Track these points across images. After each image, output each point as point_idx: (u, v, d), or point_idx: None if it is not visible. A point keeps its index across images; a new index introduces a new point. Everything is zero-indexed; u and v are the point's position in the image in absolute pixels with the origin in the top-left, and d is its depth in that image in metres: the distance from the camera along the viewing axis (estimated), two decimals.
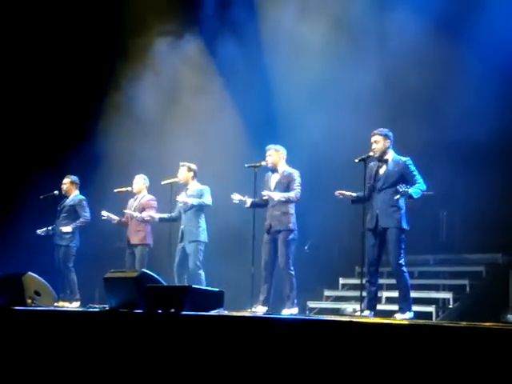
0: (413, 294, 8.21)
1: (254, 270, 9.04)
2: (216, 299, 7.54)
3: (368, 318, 7.86)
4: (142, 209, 10.68)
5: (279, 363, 6.11)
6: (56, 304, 9.65)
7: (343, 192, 8.36)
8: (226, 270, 10.73)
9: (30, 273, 9.24)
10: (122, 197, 11.03)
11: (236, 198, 9.25)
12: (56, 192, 11.13)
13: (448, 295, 10.62)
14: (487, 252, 11.15)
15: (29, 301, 8.96)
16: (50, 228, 11.01)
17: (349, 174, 9.01)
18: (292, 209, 9.14)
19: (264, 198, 9.18)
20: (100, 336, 7.46)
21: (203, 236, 10.02)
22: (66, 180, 11.21)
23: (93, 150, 12.52)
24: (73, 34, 12.94)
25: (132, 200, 10.93)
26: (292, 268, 8.99)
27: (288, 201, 9.09)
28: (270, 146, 9.26)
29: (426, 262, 11.59)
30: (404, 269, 8.02)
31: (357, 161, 8.23)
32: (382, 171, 8.19)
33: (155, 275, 7.98)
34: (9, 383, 7.77)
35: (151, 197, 10.83)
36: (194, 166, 10.22)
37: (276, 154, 9.22)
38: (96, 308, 8.77)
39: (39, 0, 12.96)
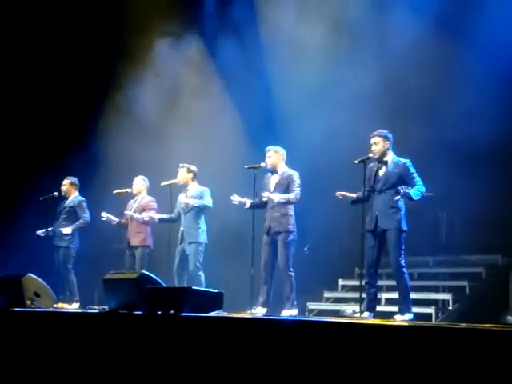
0: (412, 296, 8.20)
1: (253, 271, 9.03)
2: (215, 301, 7.55)
3: (368, 319, 7.86)
4: (142, 210, 10.68)
5: (279, 364, 6.11)
6: (55, 305, 9.66)
7: (344, 193, 8.36)
8: (226, 272, 10.73)
9: (29, 274, 9.25)
10: (122, 198, 11.03)
11: (236, 199, 9.25)
12: (55, 193, 11.13)
13: (447, 296, 10.61)
14: (487, 253, 11.14)
15: (28, 302, 8.97)
16: (50, 229, 11.01)
17: (348, 176, 9.01)
18: (291, 210, 9.14)
19: (264, 199, 9.19)
20: (100, 337, 7.46)
21: (203, 237, 10.02)
22: (66, 181, 11.21)
23: (93, 151, 12.52)
24: (73, 35, 12.93)
25: (132, 201, 10.93)
26: (292, 269, 9.00)
27: (288, 202, 9.09)
28: (269, 148, 9.26)
29: (425, 264, 11.59)
30: (404, 270, 8.02)
31: (356, 162, 8.22)
32: (381, 172, 8.19)
33: (155, 276, 7.98)
34: None
35: (151, 198, 10.83)
36: (193, 168, 10.22)
37: (276, 156, 9.23)
38: (95, 309, 8.78)
39: (40, 0, 12.95)
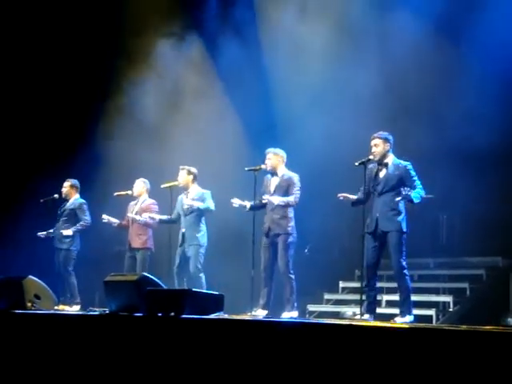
0: (413, 298, 8.20)
1: (254, 273, 9.05)
2: (216, 303, 7.55)
3: (368, 321, 7.85)
4: (143, 212, 10.67)
5: (279, 367, 6.11)
6: (56, 307, 9.64)
7: (346, 195, 8.36)
8: (226, 273, 10.72)
9: (30, 276, 9.24)
10: (123, 200, 11.03)
11: (236, 202, 9.25)
12: (56, 195, 11.14)
13: (448, 298, 10.61)
14: (487, 255, 11.14)
15: (29, 304, 8.95)
16: (51, 231, 11.01)
17: (349, 177, 9.01)
18: (291, 212, 9.15)
19: (263, 201, 9.19)
20: (100, 339, 7.46)
21: (204, 239, 10.03)
22: (66, 184, 11.21)
23: (93, 153, 12.51)
24: (73, 35, 12.92)
25: (133, 203, 10.94)
26: (292, 271, 9.00)
27: (287, 205, 9.10)
28: (269, 150, 9.27)
29: (426, 266, 11.58)
30: (406, 272, 8.03)
31: (357, 164, 8.23)
32: (382, 174, 8.20)
33: (155, 279, 7.98)
34: None
35: (152, 201, 10.83)
36: (194, 170, 10.22)
37: (275, 158, 9.23)
38: (96, 311, 8.77)
39: (41, 1, 12.95)
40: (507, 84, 10.17)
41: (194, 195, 10.10)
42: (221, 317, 7.38)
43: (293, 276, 9.00)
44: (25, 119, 13.11)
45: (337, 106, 11.19)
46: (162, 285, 8.04)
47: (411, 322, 7.84)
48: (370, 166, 8.26)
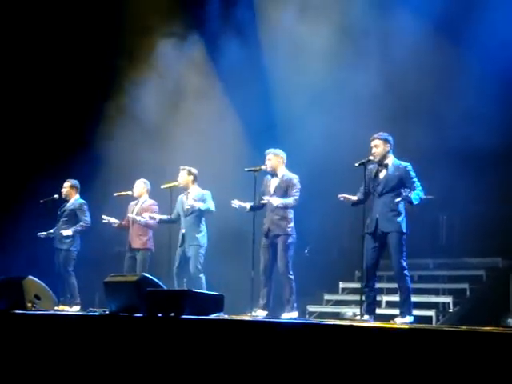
0: (413, 298, 8.20)
1: (253, 273, 9.05)
2: (216, 303, 7.54)
3: (368, 322, 7.86)
4: (144, 213, 10.67)
5: (279, 367, 6.11)
6: (56, 308, 9.63)
7: (346, 196, 8.37)
8: (226, 274, 10.72)
9: (30, 276, 9.23)
10: (123, 200, 11.03)
11: (236, 203, 9.25)
12: (56, 196, 11.13)
13: (448, 299, 10.61)
14: (487, 256, 11.15)
15: (29, 305, 8.95)
16: (51, 231, 11.01)
17: (349, 177, 9.02)
18: (291, 213, 9.15)
19: (263, 201, 9.19)
20: (100, 340, 7.46)
21: (204, 240, 10.03)
22: (66, 184, 11.20)
23: (94, 153, 12.50)
24: (74, 35, 12.91)
25: (133, 203, 10.93)
26: (291, 272, 9.01)
27: (285, 207, 9.10)
28: (269, 150, 9.26)
29: (425, 266, 11.59)
30: (406, 272, 8.03)
31: (357, 165, 8.22)
32: (381, 175, 8.20)
33: (155, 279, 7.99)
34: None
35: (153, 201, 10.83)
36: (194, 170, 10.22)
37: (275, 158, 9.23)
38: (96, 312, 8.77)
39: (41, 1, 12.95)
40: (507, 84, 10.17)
41: (194, 196, 10.09)
42: (221, 317, 7.38)
43: (292, 276, 9.00)
44: (25, 119, 13.10)
45: (337, 106, 11.19)
46: (162, 285, 8.04)
47: (411, 323, 7.84)
48: (370, 166, 8.25)
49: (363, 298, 8.22)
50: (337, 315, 11.02)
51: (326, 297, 11.90)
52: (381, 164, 8.19)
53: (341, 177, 9.98)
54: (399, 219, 8.03)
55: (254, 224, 9.13)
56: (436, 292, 11.06)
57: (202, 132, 12.13)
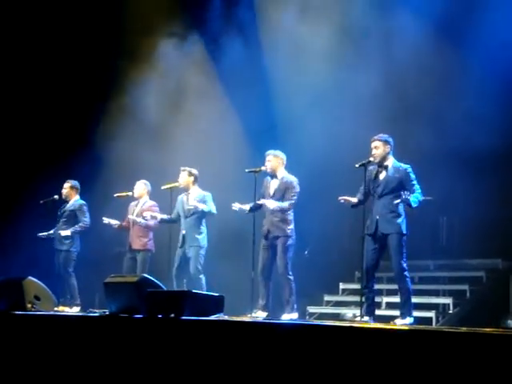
0: (413, 300, 8.20)
1: (254, 274, 9.06)
2: (216, 304, 7.55)
3: (368, 323, 7.85)
4: (144, 215, 10.67)
5: (279, 368, 6.11)
6: (56, 309, 9.64)
7: (347, 198, 8.36)
8: (226, 275, 10.71)
9: (30, 277, 9.24)
10: (124, 201, 11.03)
11: (236, 206, 9.23)
12: (56, 197, 11.12)
13: (448, 300, 10.60)
14: (487, 257, 11.14)
15: (29, 305, 8.95)
16: (51, 232, 11.00)
17: (349, 178, 9.02)
18: (290, 215, 9.15)
19: (259, 202, 9.17)
20: (100, 341, 7.46)
21: (204, 241, 10.04)
22: (66, 185, 11.20)
23: (94, 153, 12.50)
24: (75, 35, 12.90)
25: (133, 204, 10.93)
26: (291, 273, 9.00)
27: (281, 210, 9.10)
28: (269, 152, 9.26)
29: (426, 268, 11.57)
30: (406, 273, 8.03)
31: (357, 166, 8.23)
32: (381, 177, 8.20)
33: (155, 280, 7.98)
34: None
35: (153, 203, 10.82)
36: (194, 171, 10.22)
37: (275, 160, 9.22)
38: (96, 313, 8.77)
39: (42, 1, 12.95)
40: (507, 85, 10.16)
41: (194, 197, 10.09)
42: (221, 318, 7.38)
43: (292, 277, 9.00)
44: (25, 119, 13.08)
45: (337, 107, 11.19)
46: (162, 286, 8.04)
47: (411, 324, 7.84)
48: (370, 167, 8.26)
49: (363, 300, 8.22)
50: (337, 316, 11.02)
51: (326, 298, 11.89)
52: (381, 165, 8.20)
53: (341, 177, 9.98)
54: (399, 220, 8.03)
55: (254, 225, 9.13)
56: (436, 293, 11.05)
57: (203, 132, 12.13)
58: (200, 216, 10.03)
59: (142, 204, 10.83)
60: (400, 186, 8.06)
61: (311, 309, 11.45)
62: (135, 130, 12.50)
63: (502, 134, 10.07)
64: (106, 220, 10.67)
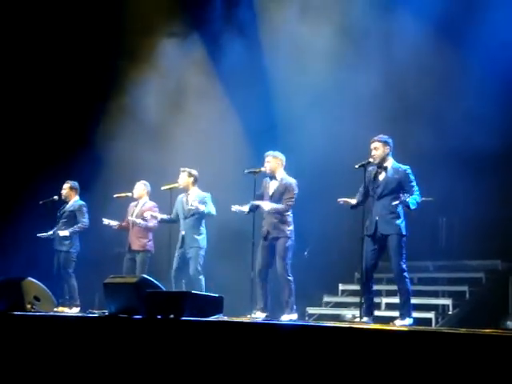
0: (412, 301, 8.20)
1: (253, 275, 9.05)
2: (215, 305, 7.55)
3: (368, 324, 7.85)
4: (144, 216, 10.67)
5: (279, 369, 6.11)
6: (55, 309, 9.64)
7: (346, 199, 8.36)
8: (226, 276, 10.71)
9: (29, 278, 9.24)
10: (123, 201, 11.02)
11: (235, 208, 9.22)
12: (55, 197, 11.12)
13: (447, 301, 10.60)
14: (487, 258, 11.13)
15: (28, 306, 8.95)
16: (51, 232, 10.99)
17: (349, 178, 9.01)
18: (290, 216, 9.14)
19: (254, 203, 9.17)
20: (99, 341, 7.46)
21: (204, 242, 10.04)
22: (66, 185, 11.19)
23: (94, 154, 12.49)
24: (75, 35, 12.90)
25: (133, 204, 10.92)
26: (290, 274, 9.00)
27: (277, 212, 9.09)
28: (268, 153, 9.24)
29: (425, 269, 11.56)
30: (406, 274, 8.03)
31: (357, 167, 8.22)
32: (381, 178, 8.19)
33: (155, 281, 7.98)
34: None
35: (153, 203, 10.82)
36: (194, 172, 10.22)
37: (274, 161, 9.21)
38: (95, 313, 8.77)
39: (42, 1, 12.94)
40: (508, 85, 10.16)
41: (194, 197, 10.08)
42: (220, 319, 7.38)
43: (291, 278, 8.99)
44: (25, 120, 13.08)
45: (337, 107, 11.19)
46: (162, 287, 8.04)
47: (411, 325, 7.83)
48: (370, 168, 8.25)
49: (362, 300, 8.22)
50: (336, 317, 11.02)
51: (326, 299, 11.90)
52: (380, 166, 8.19)
53: (341, 178, 9.97)
54: (398, 221, 8.03)
55: (253, 225, 9.12)
56: (435, 294, 11.04)
57: (203, 132, 12.13)
58: (199, 217, 10.03)
59: (141, 205, 10.83)
60: (399, 187, 8.05)
61: (311, 310, 11.45)
62: (135, 130, 12.49)
63: (501, 134, 10.07)
64: (105, 221, 10.67)
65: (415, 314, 8.40)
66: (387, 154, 8.20)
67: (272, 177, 9.24)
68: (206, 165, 10.78)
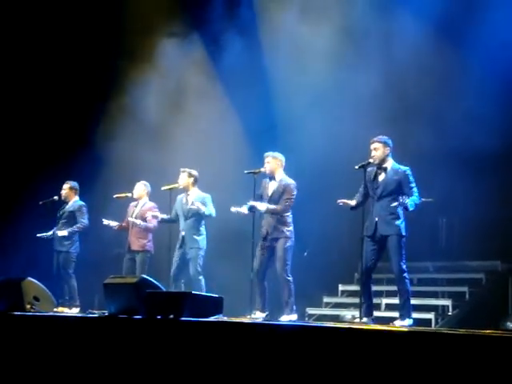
0: (412, 301, 8.20)
1: (253, 275, 9.04)
2: (215, 305, 7.55)
3: (367, 324, 7.85)
4: (144, 216, 10.67)
5: (278, 370, 6.11)
6: (55, 310, 9.64)
7: (345, 201, 8.36)
8: (226, 276, 10.71)
9: (29, 278, 9.24)
10: (123, 202, 11.02)
11: (234, 210, 9.21)
12: (55, 197, 11.11)
13: (447, 302, 10.60)
14: (487, 259, 11.12)
15: (28, 306, 8.95)
16: (51, 233, 10.98)
17: (349, 179, 9.02)
18: (289, 217, 9.14)
19: (250, 203, 9.17)
20: (99, 342, 7.45)
21: (203, 243, 10.04)
22: (65, 186, 11.18)
23: (94, 154, 12.49)
24: (75, 35, 12.90)
25: (133, 205, 10.92)
26: (290, 275, 9.00)
27: (276, 213, 9.09)
28: (268, 153, 9.24)
29: (425, 269, 11.56)
30: (406, 275, 8.03)
31: (357, 167, 8.22)
32: (380, 178, 8.19)
33: (155, 281, 7.98)
34: None
35: (153, 204, 10.82)
36: (194, 172, 10.21)
37: (274, 162, 9.20)
38: (95, 314, 8.77)
39: (42, 1, 12.94)
40: (508, 85, 10.16)
41: (194, 198, 10.07)
42: (220, 319, 7.38)
43: (291, 279, 8.99)
44: (25, 120, 13.07)
45: (337, 107, 11.19)
46: (162, 287, 8.04)
47: (410, 326, 7.83)
48: (369, 169, 8.25)
49: (362, 301, 8.21)
50: (336, 318, 11.02)
51: (326, 299, 11.89)
52: (380, 167, 8.19)
53: (341, 178, 9.98)
54: (398, 222, 8.03)
55: (253, 226, 9.11)
56: (435, 295, 11.04)
57: (203, 132, 12.12)
58: (199, 218, 10.03)
59: (141, 205, 10.83)
60: (399, 188, 8.05)
61: (310, 310, 11.45)
62: (135, 130, 12.49)
63: (502, 134, 10.06)
64: (105, 221, 10.67)
65: (415, 315, 8.40)
66: (387, 155, 8.19)
67: (271, 177, 9.23)
68: (206, 165, 10.78)
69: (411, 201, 7.91)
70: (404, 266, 7.99)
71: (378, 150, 8.18)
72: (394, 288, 8.47)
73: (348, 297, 11.78)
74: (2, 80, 12.96)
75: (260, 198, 9.21)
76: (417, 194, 8.04)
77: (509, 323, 9.51)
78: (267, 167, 9.18)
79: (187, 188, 10.19)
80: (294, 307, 9.00)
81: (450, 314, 10.44)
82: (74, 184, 11.24)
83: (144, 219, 10.64)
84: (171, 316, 7.17)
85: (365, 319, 8.04)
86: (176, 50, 12.87)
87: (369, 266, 8.13)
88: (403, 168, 8.16)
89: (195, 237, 9.97)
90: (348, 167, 8.52)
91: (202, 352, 6.62)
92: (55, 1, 12.93)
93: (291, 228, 9.09)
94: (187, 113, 12.41)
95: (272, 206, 9.08)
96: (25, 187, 12.56)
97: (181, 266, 9.97)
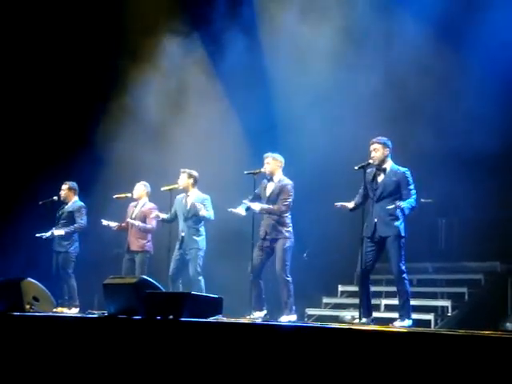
0: (411, 302, 8.20)
1: (250, 275, 9.05)
2: (215, 306, 7.55)
3: (367, 325, 7.85)
4: (144, 217, 10.68)
5: (278, 370, 6.11)
6: (55, 310, 9.64)
7: (343, 204, 8.36)
8: (225, 277, 10.71)
9: (28, 278, 9.24)
10: (123, 202, 11.02)
11: (232, 211, 9.21)
12: (55, 198, 11.10)
13: (447, 303, 10.59)
14: (486, 260, 11.11)
15: (27, 306, 8.96)
16: (49, 233, 10.97)
17: (349, 179, 9.02)
18: (288, 217, 9.14)
19: (245, 202, 9.17)
20: (99, 342, 7.45)
21: (203, 243, 10.04)
22: (64, 186, 11.17)
23: (95, 154, 12.49)
24: (76, 35, 12.90)
25: (132, 205, 10.92)
26: (289, 275, 9.00)
27: (274, 213, 9.08)
28: (267, 154, 9.24)
29: (424, 270, 11.56)
30: (405, 276, 8.03)
31: (356, 168, 8.23)
32: (380, 179, 8.19)
33: (154, 281, 7.98)
34: None
35: (152, 205, 10.81)
36: (194, 173, 10.21)
37: (274, 163, 9.21)
38: (95, 314, 8.77)
39: (43, 1, 12.94)
40: (507, 85, 10.16)
41: (194, 199, 10.07)
42: (219, 320, 7.38)
43: (290, 279, 8.99)
44: (26, 120, 13.07)
45: (338, 107, 11.19)
46: (161, 288, 8.04)
47: (410, 327, 7.84)
48: (369, 170, 8.26)
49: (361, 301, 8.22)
50: (335, 318, 11.01)
51: (325, 300, 11.89)
52: (379, 168, 8.19)
53: (341, 178, 9.98)
54: (397, 223, 8.02)
55: (253, 226, 9.12)
56: (435, 296, 11.03)
57: (203, 133, 12.11)
58: (199, 219, 10.02)
59: (141, 205, 10.83)
60: (398, 189, 8.06)
61: (310, 311, 11.44)
62: (135, 131, 12.49)
63: (501, 134, 10.06)
64: (105, 222, 10.67)
65: (414, 316, 8.40)
66: (386, 156, 8.19)
67: (270, 178, 9.24)
68: (206, 165, 10.78)
69: (408, 203, 7.91)
70: (403, 267, 7.99)
71: (377, 150, 8.18)
72: (394, 289, 8.47)
73: (347, 297, 11.77)
74: (3, 80, 12.96)
75: (258, 198, 9.22)
76: (415, 197, 8.03)
77: (508, 324, 9.50)
78: (267, 168, 9.19)
79: (187, 189, 10.19)
80: (294, 308, 9.00)
81: (449, 314, 10.43)
82: (73, 184, 11.23)
83: (144, 220, 10.64)
84: (171, 316, 7.18)
85: (364, 320, 8.04)
86: (177, 50, 12.87)
87: (367, 266, 8.13)
88: (402, 169, 8.15)
89: (195, 237, 9.98)
90: (348, 167, 8.52)
91: (202, 352, 6.62)
92: (56, 1, 12.92)
93: (290, 228, 9.10)
94: (188, 113, 12.41)
95: (266, 206, 9.08)
96: (25, 187, 12.56)
97: (180, 266, 9.97)
